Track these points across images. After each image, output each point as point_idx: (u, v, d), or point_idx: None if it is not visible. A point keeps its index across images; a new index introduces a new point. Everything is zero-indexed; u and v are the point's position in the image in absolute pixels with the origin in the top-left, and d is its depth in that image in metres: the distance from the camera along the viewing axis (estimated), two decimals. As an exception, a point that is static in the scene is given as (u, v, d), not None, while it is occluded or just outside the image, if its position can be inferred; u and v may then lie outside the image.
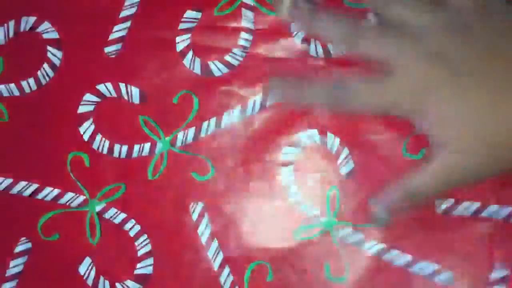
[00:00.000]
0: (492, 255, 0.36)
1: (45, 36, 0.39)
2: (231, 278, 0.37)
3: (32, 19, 0.39)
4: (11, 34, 0.39)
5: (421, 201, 0.33)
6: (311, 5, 0.34)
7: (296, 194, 0.37)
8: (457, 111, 0.31)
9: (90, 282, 0.38)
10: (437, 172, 0.32)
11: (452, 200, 0.36)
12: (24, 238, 0.38)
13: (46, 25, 0.39)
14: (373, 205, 0.33)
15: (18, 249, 0.38)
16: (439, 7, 0.33)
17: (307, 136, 0.37)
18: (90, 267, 0.38)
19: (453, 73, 0.31)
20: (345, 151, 0.37)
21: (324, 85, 0.33)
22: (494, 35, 0.32)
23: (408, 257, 0.37)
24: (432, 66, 0.31)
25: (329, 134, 0.37)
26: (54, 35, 0.39)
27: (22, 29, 0.39)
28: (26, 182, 0.38)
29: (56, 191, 0.38)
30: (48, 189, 0.38)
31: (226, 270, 0.37)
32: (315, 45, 0.38)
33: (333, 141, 0.37)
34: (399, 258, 0.37)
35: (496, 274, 0.36)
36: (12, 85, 0.39)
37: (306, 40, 0.38)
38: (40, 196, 0.38)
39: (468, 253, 0.36)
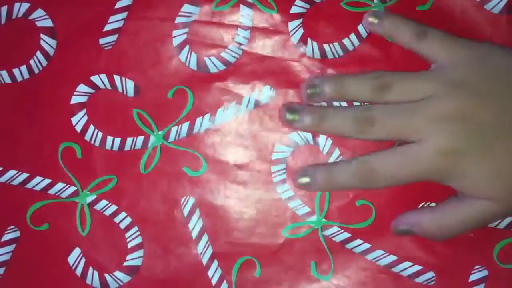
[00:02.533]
0: (472, 256, 0.38)
1: (38, 23, 0.39)
2: (219, 272, 0.38)
3: (26, 6, 0.39)
4: (3, 20, 0.39)
5: (450, 236, 0.36)
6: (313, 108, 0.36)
7: (286, 192, 0.38)
8: (488, 168, 0.34)
9: (79, 272, 0.38)
10: (472, 216, 0.35)
11: (433, 204, 0.38)
12: (13, 226, 0.38)
13: (39, 13, 0.39)
14: (400, 222, 0.36)
15: (6, 237, 0.38)
16: (443, 73, 0.35)
17: (300, 135, 0.38)
18: (79, 258, 0.38)
19: (478, 133, 0.34)
20: (336, 152, 0.38)
21: (352, 167, 0.35)
22: (503, 88, 0.34)
23: (392, 257, 0.38)
24: (456, 131, 0.34)
25: (321, 135, 0.38)
26: (48, 23, 0.39)
27: (14, 16, 0.39)
28: (16, 171, 0.38)
29: (47, 181, 0.38)
30: (38, 179, 0.38)
31: (215, 264, 0.38)
32: (312, 46, 0.38)
33: (325, 141, 0.38)
34: (384, 258, 0.38)
35: (475, 275, 0.38)
36: (4, 73, 0.38)
37: (303, 40, 0.38)
38: (30, 185, 0.38)
39: (449, 254, 0.38)
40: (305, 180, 0.36)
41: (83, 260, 0.38)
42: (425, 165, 0.34)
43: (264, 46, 0.38)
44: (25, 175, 0.38)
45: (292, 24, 0.38)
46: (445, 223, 0.35)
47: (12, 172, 0.38)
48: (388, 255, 0.38)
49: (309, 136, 0.38)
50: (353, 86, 0.36)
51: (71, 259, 0.38)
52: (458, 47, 0.35)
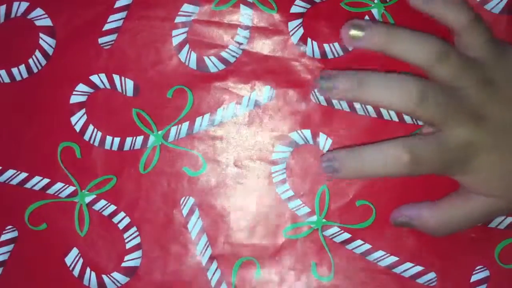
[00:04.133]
0: (474, 257, 0.38)
1: (37, 23, 0.38)
2: (218, 273, 0.38)
3: (25, 5, 0.38)
4: (1, 19, 0.38)
5: (449, 232, 0.36)
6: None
7: (286, 192, 0.38)
8: (501, 166, 0.34)
9: (76, 273, 0.38)
10: (475, 212, 0.35)
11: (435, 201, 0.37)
12: (11, 226, 0.38)
13: (38, 12, 0.38)
14: (399, 214, 0.36)
15: (4, 237, 0.38)
16: (471, 67, 0.34)
17: (300, 135, 0.38)
18: (77, 258, 0.38)
19: (498, 131, 0.34)
20: (337, 152, 0.38)
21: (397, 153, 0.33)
22: None
23: (393, 258, 0.37)
24: (477, 126, 0.34)
25: (321, 134, 0.38)
26: (47, 22, 0.38)
27: (13, 15, 0.38)
28: (14, 171, 0.38)
29: (45, 181, 0.38)
30: (37, 179, 0.38)
31: (214, 265, 0.38)
32: (312, 45, 0.38)
33: (325, 141, 0.38)
34: (385, 259, 0.37)
35: (477, 276, 0.37)
36: (3, 72, 0.38)
37: (303, 40, 0.38)
38: (28, 185, 0.38)
39: (450, 255, 0.37)
40: (331, 164, 0.34)
41: (81, 260, 0.38)
42: (449, 156, 0.34)
43: (264, 46, 0.38)
44: (24, 175, 0.38)
45: (292, 24, 0.38)
46: (447, 218, 0.35)
47: (11, 172, 0.38)
48: (389, 256, 0.37)
49: (309, 136, 0.38)
50: (407, 42, 0.34)
51: (69, 259, 0.38)
52: (495, 47, 0.35)
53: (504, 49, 0.36)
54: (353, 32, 0.34)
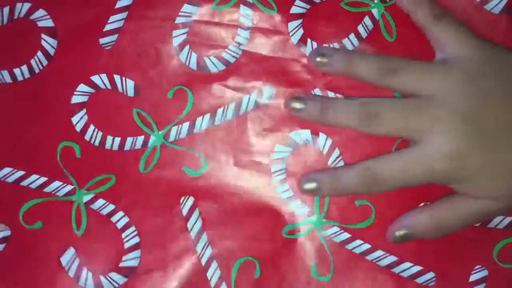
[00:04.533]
0: (472, 256, 0.38)
1: (39, 24, 0.39)
2: (218, 273, 0.37)
3: (27, 6, 0.39)
4: (5, 20, 0.39)
5: (447, 233, 0.36)
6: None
7: (286, 192, 0.38)
8: (492, 169, 0.34)
9: (72, 273, 0.37)
10: (472, 213, 0.35)
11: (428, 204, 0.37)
12: (3, 224, 0.38)
13: (41, 13, 0.39)
14: (397, 226, 0.36)
15: (-2, 236, 0.38)
16: (449, 69, 0.35)
17: (300, 135, 0.38)
18: (73, 258, 0.37)
19: (482, 134, 0.34)
20: (336, 152, 0.38)
21: (356, 173, 0.35)
22: (507, 88, 0.35)
23: (393, 258, 0.37)
24: (461, 131, 0.34)
25: (321, 134, 0.38)
26: (49, 23, 0.39)
27: (16, 16, 0.39)
28: (11, 169, 0.38)
29: (43, 179, 0.38)
30: (34, 177, 0.38)
31: (214, 265, 0.37)
32: (312, 46, 0.38)
33: (325, 141, 0.38)
34: (384, 258, 0.37)
35: (476, 275, 0.37)
36: (5, 72, 0.38)
37: (303, 41, 0.38)
38: (25, 183, 0.38)
39: (449, 254, 0.37)
40: (312, 185, 0.36)
41: (77, 260, 0.37)
42: (430, 169, 0.34)
43: (264, 46, 0.38)
44: (21, 173, 0.38)
45: (292, 24, 0.38)
46: (444, 222, 0.35)
47: (7, 169, 0.38)
48: (388, 256, 0.37)
49: (309, 136, 0.38)
50: (361, 64, 0.36)
51: (64, 259, 0.37)
52: (468, 39, 0.35)
53: (483, 46, 0.36)
54: (319, 59, 0.36)
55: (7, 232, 0.38)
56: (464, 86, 0.34)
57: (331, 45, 0.38)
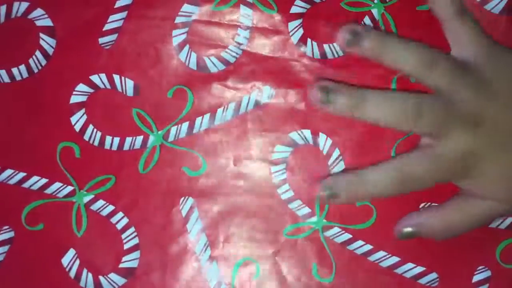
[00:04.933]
0: (475, 257, 0.37)
1: (37, 23, 0.38)
2: (218, 273, 0.37)
3: (25, 5, 0.39)
4: (2, 19, 0.39)
5: (455, 235, 0.35)
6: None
7: (286, 192, 0.38)
8: (502, 171, 0.34)
9: (72, 274, 0.37)
10: (480, 215, 0.35)
11: (435, 205, 0.37)
12: (7, 226, 0.37)
13: (39, 12, 0.39)
14: (406, 223, 0.35)
15: (1, 237, 0.37)
16: (464, 70, 0.34)
17: (300, 136, 0.38)
18: (73, 259, 0.37)
19: (497, 136, 0.34)
20: (336, 152, 0.38)
21: (386, 175, 0.34)
22: None
23: (395, 259, 0.37)
24: (475, 132, 0.33)
25: (321, 134, 0.38)
26: (47, 22, 0.38)
27: (13, 15, 0.39)
28: (12, 170, 0.38)
29: (44, 181, 0.38)
30: (35, 178, 0.38)
31: (214, 265, 0.37)
32: (312, 46, 0.38)
33: (325, 141, 0.38)
34: (386, 259, 0.37)
35: (479, 276, 0.37)
36: (3, 72, 0.38)
37: (303, 40, 0.38)
38: (26, 184, 0.38)
39: (452, 255, 0.37)
40: (333, 192, 0.34)
41: (78, 261, 0.37)
42: (448, 166, 0.34)
43: (264, 46, 0.38)
44: (22, 174, 0.38)
45: (292, 24, 0.38)
46: (451, 223, 0.35)
47: (9, 171, 0.38)
48: (390, 256, 0.37)
49: (309, 136, 0.38)
50: (397, 51, 0.33)
51: (65, 260, 0.37)
52: (485, 42, 0.35)
53: (498, 49, 0.36)
54: (349, 37, 0.34)
55: (11, 234, 0.37)
56: (480, 88, 0.34)
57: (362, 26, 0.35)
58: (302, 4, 0.38)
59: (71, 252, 0.37)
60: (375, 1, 0.38)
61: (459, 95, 0.34)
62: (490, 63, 0.35)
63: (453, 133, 0.34)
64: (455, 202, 0.35)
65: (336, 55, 0.38)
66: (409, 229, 0.36)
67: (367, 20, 0.38)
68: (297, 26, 0.38)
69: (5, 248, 0.37)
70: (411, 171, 0.34)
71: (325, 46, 0.38)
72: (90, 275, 0.37)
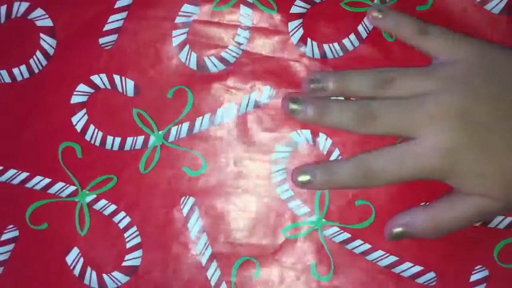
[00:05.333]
0: (473, 256, 0.38)
1: (38, 23, 0.39)
2: (218, 272, 0.38)
3: (25, 5, 0.39)
4: (2, 19, 0.39)
5: (445, 233, 0.36)
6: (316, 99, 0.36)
7: (286, 192, 0.38)
8: (485, 166, 0.34)
9: (77, 272, 0.38)
10: (467, 212, 0.34)
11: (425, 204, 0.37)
12: (12, 225, 0.38)
13: (39, 12, 0.39)
14: (394, 223, 0.36)
15: (5, 236, 0.38)
16: (444, 70, 0.35)
17: (300, 135, 0.38)
18: (77, 258, 0.38)
19: (475, 132, 0.34)
20: (336, 152, 0.38)
21: (350, 166, 0.35)
22: (501, 87, 0.35)
23: (393, 258, 0.37)
24: (456, 128, 0.34)
25: (321, 134, 0.38)
26: (48, 22, 0.39)
27: (14, 15, 0.39)
28: (15, 171, 0.38)
29: (47, 181, 0.38)
30: (38, 178, 0.38)
31: (214, 264, 0.38)
32: (312, 46, 0.38)
33: (325, 141, 0.38)
34: (384, 258, 0.37)
35: (476, 275, 0.37)
36: (3, 72, 0.38)
37: (303, 40, 0.38)
38: (29, 184, 0.38)
39: (450, 254, 0.38)
40: (305, 178, 0.36)
41: (81, 260, 0.38)
42: (423, 164, 0.34)
43: (264, 46, 0.38)
44: (25, 174, 0.38)
45: (292, 24, 0.38)
46: (441, 221, 0.35)
47: (12, 172, 0.38)
48: (388, 256, 0.37)
49: (309, 136, 0.38)
50: (355, 82, 0.36)
51: (70, 258, 0.38)
52: (459, 45, 0.35)
53: (481, 48, 0.35)
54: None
55: (16, 233, 0.38)
56: (458, 86, 0.34)
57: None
58: (302, 4, 0.38)
59: (75, 251, 0.38)
60: (375, 1, 0.38)
61: (429, 92, 0.34)
62: (471, 62, 0.35)
63: (423, 132, 0.34)
64: (443, 200, 0.36)
65: (336, 55, 0.38)
66: (398, 229, 0.36)
67: (367, 20, 0.38)
68: (297, 26, 0.38)
69: (10, 246, 0.38)
70: (376, 165, 0.35)
71: (325, 46, 0.38)
72: (94, 273, 0.38)
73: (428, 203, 0.37)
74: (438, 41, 0.35)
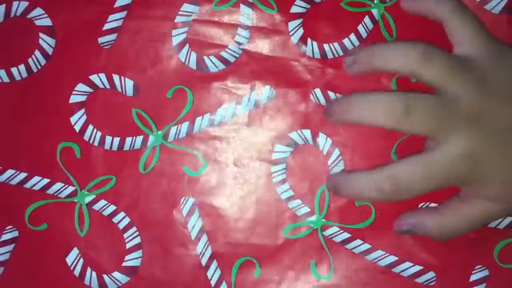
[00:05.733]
0: (473, 256, 0.38)
1: (37, 22, 0.38)
2: (218, 272, 0.38)
3: (24, 4, 0.38)
4: (1, 19, 0.38)
5: (455, 236, 0.35)
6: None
7: (286, 192, 0.38)
8: (503, 171, 0.34)
9: (77, 273, 0.38)
10: (474, 216, 0.34)
11: (433, 205, 0.37)
12: (11, 226, 0.38)
13: (38, 11, 0.38)
14: (405, 222, 0.36)
15: (5, 237, 0.38)
16: (463, 67, 0.34)
17: (300, 136, 0.38)
18: (77, 258, 0.38)
19: (497, 136, 0.33)
20: (336, 152, 0.38)
21: (375, 181, 0.34)
22: None
23: (393, 258, 0.37)
24: (476, 133, 0.33)
25: (321, 134, 0.38)
26: (47, 22, 0.38)
27: (12, 14, 0.38)
28: (14, 171, 0.38)
29: (45, 181, 0.38)
30: (36, 178, 0.38)
31: (214, 264, 0.38)
32: (312, 46, 0.38)
33: (325, 141, 0.38)
34: (384, 258, 0.38)
35: (476, 275, 0.37)
36: (2, 72, 0.38)
37: (303, 40, 0.38)
38: (28, 185, 0.38)
39: (449, 254, 0.38)
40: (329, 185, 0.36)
41: (81, 260, 0.38)
42: (451, 173, 0.33)
43: (264, 46, 0.38)
44: (23, 175, 0.38)
45: (292, 24, 0.38)
46: (450, 224, 0.35)
47: (10, 172, 0.38)
48: (388, 256, 0.37)
49: (308, 136, 0.38)
50: (386, 54, 0.34)
51: (69, 259, 0.38)
52: (486, 40, 0.35)
53: (498, 46, 0.35)
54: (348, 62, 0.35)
55: (15, 233, 0.38)
56: (480, 86, 0.33)
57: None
58: (302, 3, 0.38)
59: (75, 251, 0.38)
60: (375, 1, 0.38)
61: (458, 92, 0.33)
62: (490, 61, 0.34)
63: (452, 136, 0.33)
64: (454, 203, 0.35)
65: (336, 55, 0.38)
66: (407, 227, 0.36)
67: (367, 20, 0.38)
68: (297, 26, 0.38)
69: (10, 247, 0.38)
70: (404, 181, 0.33)
71: (325, 46, 0.38)
72: (94, 273, 0.38)
73: (438, 205, 0.36)
74: (469, 26, 0.34)
